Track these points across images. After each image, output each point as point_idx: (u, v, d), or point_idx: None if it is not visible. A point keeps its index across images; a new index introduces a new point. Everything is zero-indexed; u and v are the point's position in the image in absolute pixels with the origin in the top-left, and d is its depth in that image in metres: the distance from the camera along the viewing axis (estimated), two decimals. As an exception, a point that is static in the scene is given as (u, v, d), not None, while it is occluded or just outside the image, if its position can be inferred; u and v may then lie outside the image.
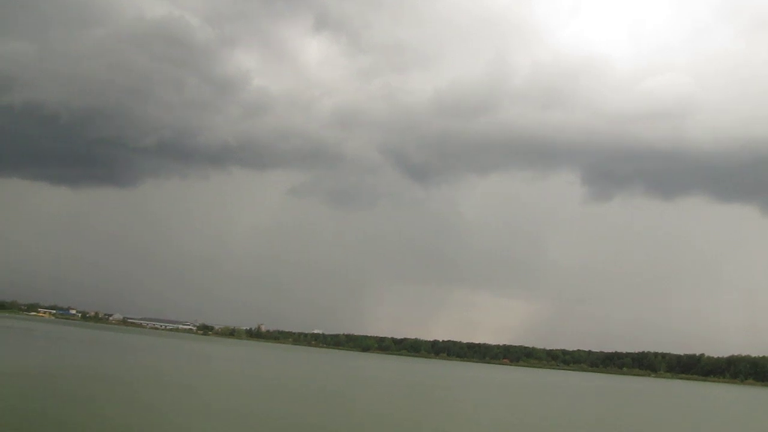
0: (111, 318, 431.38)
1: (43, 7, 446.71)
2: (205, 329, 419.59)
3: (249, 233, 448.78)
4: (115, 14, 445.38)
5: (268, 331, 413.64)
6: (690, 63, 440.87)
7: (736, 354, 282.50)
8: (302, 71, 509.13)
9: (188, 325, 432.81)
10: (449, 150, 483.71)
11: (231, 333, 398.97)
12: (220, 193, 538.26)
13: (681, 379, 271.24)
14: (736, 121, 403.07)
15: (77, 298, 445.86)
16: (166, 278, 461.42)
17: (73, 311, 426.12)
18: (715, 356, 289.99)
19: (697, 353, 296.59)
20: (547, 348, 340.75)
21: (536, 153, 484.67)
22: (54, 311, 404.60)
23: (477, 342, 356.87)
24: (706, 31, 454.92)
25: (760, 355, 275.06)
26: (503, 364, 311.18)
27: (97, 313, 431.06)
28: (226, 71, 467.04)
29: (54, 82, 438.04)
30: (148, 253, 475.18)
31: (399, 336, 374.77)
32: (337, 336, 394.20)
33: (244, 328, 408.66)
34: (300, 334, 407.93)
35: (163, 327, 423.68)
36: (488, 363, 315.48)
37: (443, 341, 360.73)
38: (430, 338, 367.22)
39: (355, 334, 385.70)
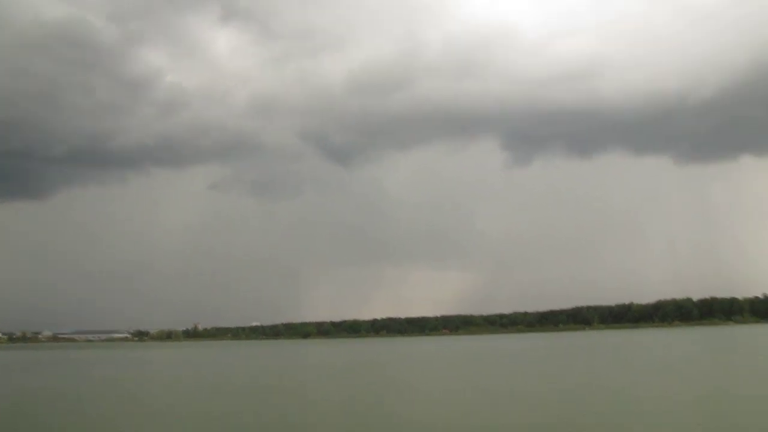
0: (40, 336, 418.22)
1: None
2: (141, 335, 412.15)
3: (176, 232, 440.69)
4: (9, 18, 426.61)
5: (205, 330, 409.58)
6: (596, 25, 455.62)
7: (662, 299, 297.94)
8: (214, 63, 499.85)
9: (123, 333, 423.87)
10: (369, 129, 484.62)
11: (168, 336, 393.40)
12: (141, 196, 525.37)
13: (613, 328, 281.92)
14: (643, 77, 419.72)
15: (0, 319, 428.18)
16: (95, 287, 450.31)
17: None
18: (644, 303, 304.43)
19: (627, 302, 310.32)
20: (484, 314, 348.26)
21: (455, 124, 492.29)
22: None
23: (415, 316, 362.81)
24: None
25: (684, 297, 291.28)
26: (443, 335, 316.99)
27: (24, 333, 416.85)
28: (135, 71, 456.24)
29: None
30: (72, 264, 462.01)
31: (338, 319, 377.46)
32: (275, 326, 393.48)
33: (181, 329, 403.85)
34: (238, 328, 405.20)
35: (97, 338, 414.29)
36: (428, 335, 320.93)
37: (382, 319, 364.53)
38: (369, 318, 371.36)
39: (294, 322, 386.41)
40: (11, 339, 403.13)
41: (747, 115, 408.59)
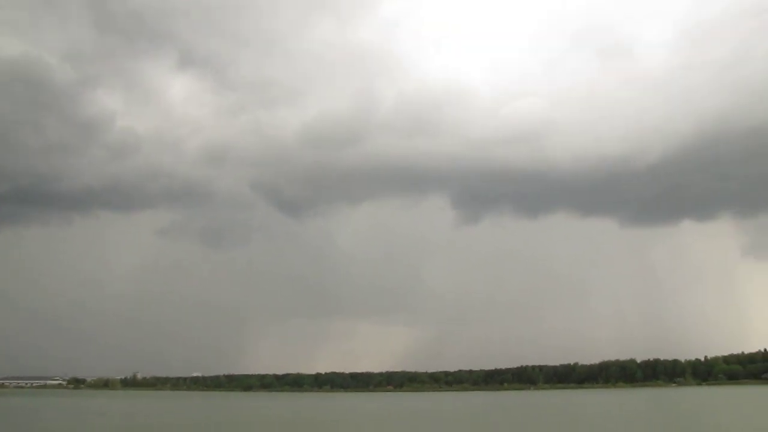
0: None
1: None
2: (77, 382, 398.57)
3: (120, 276, 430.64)
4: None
5: (144, 379, 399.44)
6: (547, 89, 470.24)
7: (606, 360, 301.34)
8: (168, 110, 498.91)
9: (57, 379, 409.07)
10: (320, 182, 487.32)
11: (105, 384, 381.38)
12: (86, 238, 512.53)
13: (558, 389, 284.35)
14: (591, 141, 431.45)
15: None
16: (30, 329, 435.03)
17: None
18: (588, 364, 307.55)
19: (572, 363, 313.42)
20: (430, 371, 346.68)
21: (406, 180, 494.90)
22: None
23: (360, 371, 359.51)
24: (561, 60, 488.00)
25: (628, 359, 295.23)
26: (387, 391, 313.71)
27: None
28: (88, 112, 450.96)
29: None
30: (8, 304, 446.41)
31: (281, 372, 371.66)
32: (217, 377, 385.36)
33: (119, 377, 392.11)
34: (178, 378, 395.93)
35: (29, 384, 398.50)
36: (372, 391, 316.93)
37: (326, 373, 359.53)
38: (313, 371, 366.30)
39: (236, 373, 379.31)
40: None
41: (689, 182, 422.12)
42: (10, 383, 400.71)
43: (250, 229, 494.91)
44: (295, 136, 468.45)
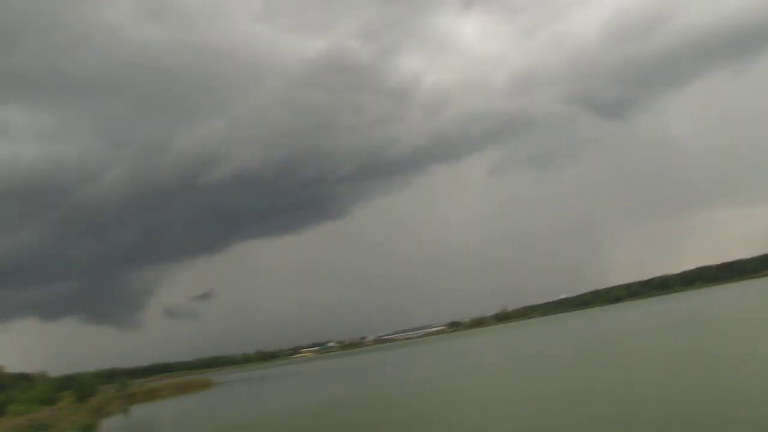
0: (365, 340, 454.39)
1: (208, 81, 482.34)
2: (454, 325, 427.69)
3: (465, 223, 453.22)
4: (281, 62, 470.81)
5: (514, 311, 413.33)
6: None
7: None
8: (467, 53, 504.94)
9: (437, 326, 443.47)
10: (635, 75, 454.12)
11: (479, 322, 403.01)
12: (426, 194, 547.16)
13: None
14: None
15: (333, 331, 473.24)
16: (404, 286, 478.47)
17: (331, 343, 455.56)
18: None
19: None
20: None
21: (731, 46, 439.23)
22: (315, 348, 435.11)
23: (729, 261, 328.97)
24: None
25: None
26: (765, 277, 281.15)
27: (352, 340, 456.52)
28: (396, 80, 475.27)
29: (249, 146, 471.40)
30: (379, 272, 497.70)
31: (645, 277, 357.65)
32: (582, 296, 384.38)
33: (490, 314, 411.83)
34: (545, 304, 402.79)
35: (414, 335, 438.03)
36: (746, 279, 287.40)
37: (693, 269, 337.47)
38: (678, 270, 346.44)
39: (601, 288, 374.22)
40: (342, 346, 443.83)
41: None
42: (400, 336, 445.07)
43: (576, 143, 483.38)
44: (597, 36, 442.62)
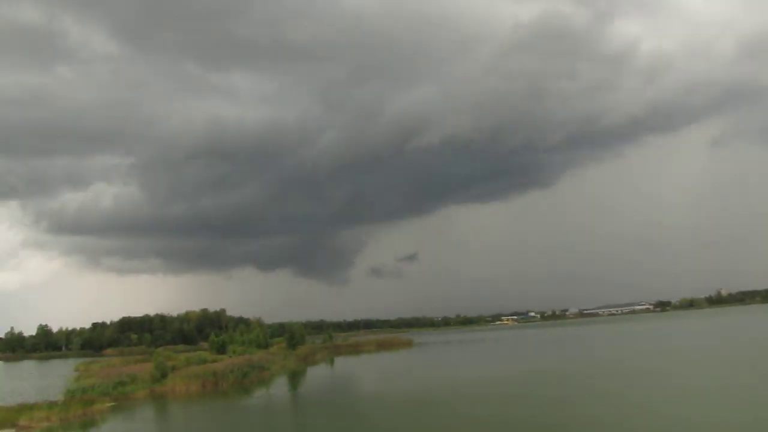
0: (567, 313, 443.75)
1: (421, 48, 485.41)
2: (662, 305, 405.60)
3: (681, 197, 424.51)
4: (494, 28, 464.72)
5: (730, 295, 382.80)
6: None
7: None
8: (690, 16, 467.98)
9: (643, 304, 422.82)
10: None
11: (690, 304, 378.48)
12: (639, 165, 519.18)
13: None
14: None
15: (534, 301, 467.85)
16: (612, 263, 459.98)
17: (532, 313, 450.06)
18: None
19: None
20: None
21: None
22: (515, 317, 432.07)
23: None
24: None
25: None
26: None
27: (554, 311, 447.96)
28: (612, 46, 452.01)
29: (460, 112, 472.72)
30: (587, 242, 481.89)
31: None
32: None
33: (703, 296, 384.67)
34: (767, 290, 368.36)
35: (619, 311, 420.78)
36: None
37: None
38: None
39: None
40: (543, 317, 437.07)
41: None
42: (604, 311, 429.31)
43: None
44: None
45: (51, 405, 48.03)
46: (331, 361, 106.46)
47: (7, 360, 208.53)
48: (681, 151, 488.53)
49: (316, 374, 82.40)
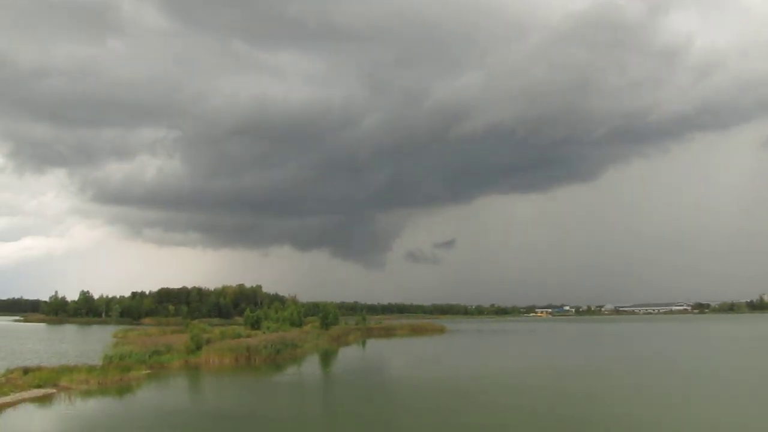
0: (603, 309, 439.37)
1: (469, 34, 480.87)
2: (701, 307, 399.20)
3: (726, 198, 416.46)
4: (544, 17, 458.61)
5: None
6: None
7: None
8: (749, 11, 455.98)
9: (681, 305, 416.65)
10: None
11: (730, 308, 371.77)
12: (686, 163, 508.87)
13: None
14: None
15: (570, 296, 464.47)
16: (652, 261, 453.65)
17: (567, 307, 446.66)
18: None
19: None
20: None
21: None
22: (549, 310, 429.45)
23: None
24: None
25: None
26: None
27: (589, 307, 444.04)
28: (664, 40, 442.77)
29: (504, 101, 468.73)
30: (627, 239, 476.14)
31: None
32: None
33: (744, 300, 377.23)
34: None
35: (656, 311, 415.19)
36: None
37: None
38: None
39: None
40: (578, 312, 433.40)
41: None
42: (640, 309, 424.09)
43: None
44: None
45: (90, 369, 49.58)
46: (363, 343, 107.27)
47: (50, 323, 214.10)
48: (730, 151, 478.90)
49: (348, 355, 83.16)
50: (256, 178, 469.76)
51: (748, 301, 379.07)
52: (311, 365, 66.30)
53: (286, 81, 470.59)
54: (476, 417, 33.08)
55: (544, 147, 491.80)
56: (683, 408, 35.57)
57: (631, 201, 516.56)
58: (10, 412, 34.88)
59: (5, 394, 39.08)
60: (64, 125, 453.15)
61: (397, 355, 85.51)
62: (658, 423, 31.08)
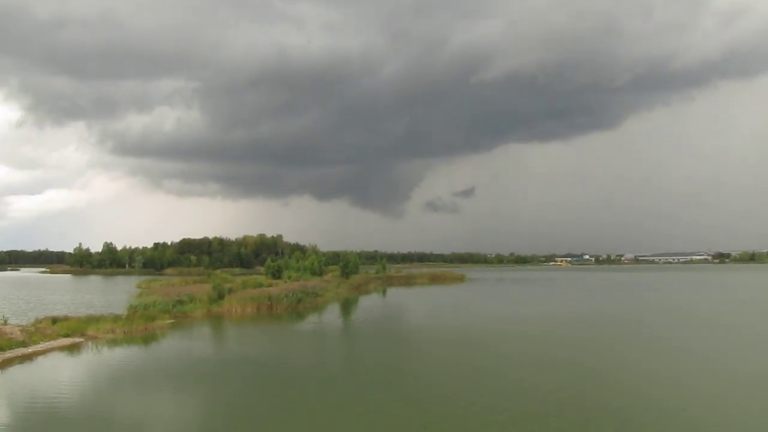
0: (623, 258, 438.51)
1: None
2: (721, 257, 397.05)
3: (749, 149, 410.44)
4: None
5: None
6: None
7: None
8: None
9: (702, 255, 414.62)
10: None
11: (751, 258, 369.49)
12: (709, 112, 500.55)
13: None
14: None
15: (590, 244, 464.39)
16: (673, 211, 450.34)
17: (587, 256, 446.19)
18: None
19: None
20: None
21: None
22: (569, 258, 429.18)
23: None
24: None
25: None
26: None
27: (609, 256, 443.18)
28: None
29: (525, 48, 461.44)
30: (649, 188, 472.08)
31: None
32: None
33: (766, 250, 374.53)
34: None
35: (676, 260, 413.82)
36: None
37: None
38: None
39: None
40: (597, 261, 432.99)
41: None
42: (660, 259, 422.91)
43: None
44: None
45: (116, 318, 50.74)
46: (384, 292, 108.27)
47: (75, 274, 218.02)
48: (755, 100, 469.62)
49: (368, 303, 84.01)
50: (275, 128, 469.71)
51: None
52: (332, 314, 67.15)
53: (305, 30, 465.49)
54: (495, 364, 33.56)
55: (566, 94, 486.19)
56: (709, 359, 35.83)
57: (652, 150, 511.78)
58: (41, 360, 35.91)
59: (36, 342, 40.15)
60: (82, 77, 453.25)
61: (416, 304, 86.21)
62: (679, 375, 31.34)
